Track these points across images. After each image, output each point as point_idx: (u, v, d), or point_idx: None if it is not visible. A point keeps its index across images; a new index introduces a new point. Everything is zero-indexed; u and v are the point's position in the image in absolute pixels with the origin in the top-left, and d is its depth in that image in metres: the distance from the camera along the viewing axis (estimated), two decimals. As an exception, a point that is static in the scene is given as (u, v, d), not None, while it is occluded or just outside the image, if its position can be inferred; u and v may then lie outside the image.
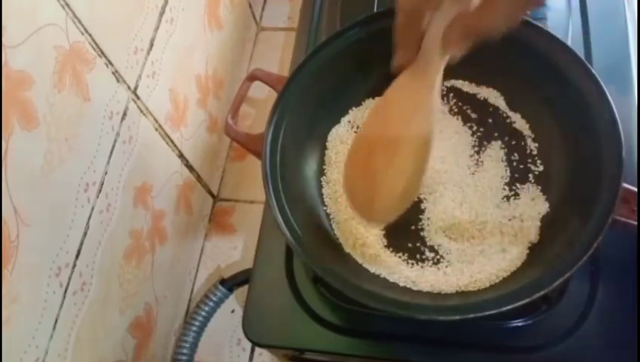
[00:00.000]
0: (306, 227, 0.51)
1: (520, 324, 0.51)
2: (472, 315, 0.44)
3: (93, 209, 0.54)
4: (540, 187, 0.54)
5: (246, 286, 0.58)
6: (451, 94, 0.60)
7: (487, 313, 0.44)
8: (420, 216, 0.54)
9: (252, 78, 0.62)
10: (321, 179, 0.58)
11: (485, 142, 0.57)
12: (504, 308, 0.43)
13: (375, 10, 0.66)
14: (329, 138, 0.60)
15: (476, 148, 0.57)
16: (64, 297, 0.51)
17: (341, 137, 0.59)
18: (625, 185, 0.46)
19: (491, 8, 0.33)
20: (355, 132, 0.60)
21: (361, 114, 0.60)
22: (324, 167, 0.59)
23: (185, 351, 0.71)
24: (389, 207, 0.46)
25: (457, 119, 0.59)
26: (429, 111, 0.41)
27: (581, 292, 0.52)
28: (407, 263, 0.52)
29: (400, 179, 0.43)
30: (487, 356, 0.51)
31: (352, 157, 0.47)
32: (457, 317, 0.44)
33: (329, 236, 0.55)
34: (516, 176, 0.55)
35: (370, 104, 0.61)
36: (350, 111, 0.61)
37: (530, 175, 0.55)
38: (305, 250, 0.49)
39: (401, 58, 0.40)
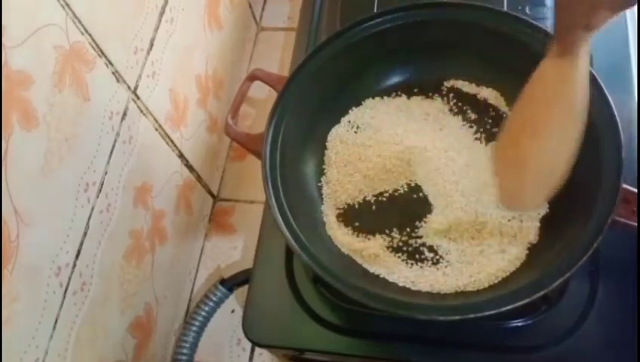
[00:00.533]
0: (305, 227, 0.51)
1: (520, 324, 0.51)
2: (471, 315, 0.44)
3: (93, 209, 0.54)
4: (539, 187, 0.54)
5: (246, 286, 0.59)
6: (451, 94, 0.60)
7: (487, 313, 0.44)
8: (420, 216, 0.54)
9: (252, 77, 0.62)
10: (321, 179, 0.58)
11: (485, 143, 0.57)
12: (504, 309, 0.43)
13: (375, 10, 0.66)
14: (329, 138, 0.60)
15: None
16: (64, 297, 0.51)
17: (341, 137, 0.59)
18: (625, 185, 0.46)
19: None
20: (355, 132, 0.60)
21: (361, 114, 0.60)
22: (324, 166, 0.59)
23: (185, 351, 0.71)
24: (538, 190, 0.45)
25: (458, 119, 0.59)
26: (574, 84, 0.40)
27: (581, 292, 0.52)
28: (407, 263, 0.52)
29: (547, 158, 0.43)
30: (487, 356, 0.51)
31: (500, 149, 0.46)
32: (457, 318, 0.44)
33: (328, 235, 0.55)
34: (516, 176, 0.55)
35: (370, 104, 0.61)
36: (350, 111, 0.61)
37: (530, 175, 0.55)
38: (304, 250, 0.49)
39: (562, 40, 0.39)
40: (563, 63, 0.40)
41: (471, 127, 0.58)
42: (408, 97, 0.61)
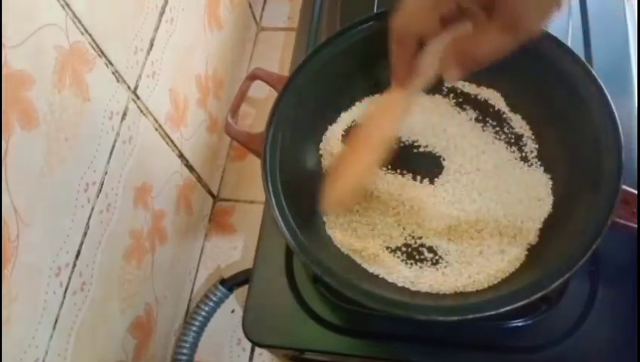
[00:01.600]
0: (305, 227, 0.51)
1: (520, 324, 0.51)
2: (470, 316, 0.44)
3: (93, 209, 0.54)
4: (539, 188, 0.54)
5: (246, 286, 0.59)
6: (452, 94, 0.60)
7: (486, 314, 0.44)
8: (420, 217, 0.54)
9: (253, 77, 0.62)
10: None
11: (485, 143, 0.57)
12: (503, 309, 0.43)
13: (375, 10, 0.66)
14: (326, 136, 0.59)
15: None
16: (64, 297, 0.51)
17: (338, 136, 0.59)
18: (625, 187, 0.46)
19: (483, 35, 0.35)
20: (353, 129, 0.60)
21: (360, 112, 0.60)
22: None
23: (185, 351, 0.71)
24: (341, 196, 0.49)
25: (460, 115, 0.59)
26: (398, 119, 0.45)
27: (581, 292, 0.52)
28: (406, 263, 0.52)
29: (354, 174, 0.47)
30: (487, 356, 0.51)
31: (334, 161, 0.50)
32: (456, 318, 0.44)
33: (328, 236, 0.55)
34: (516, 176, 0.55)
35: (369, 102, 0.61)
36: (350, 110, 0.61)
37: (530, 175, 0.55)
38: (304, 250, 0.49)
39: (395, 77, 0.43)
40: (398, 95, 0.44)
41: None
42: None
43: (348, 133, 0.59)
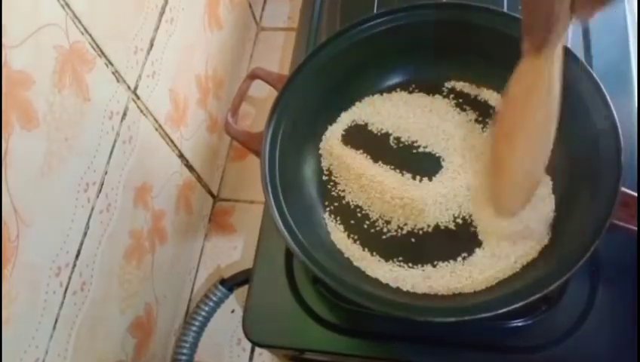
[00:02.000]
0: (304, 227, 0.51)
1: (520, 324, 0.51)
2: (467, 317, 0.44)
3: (93, 209, 0.54)
4: (539, 188, 0.54)
5: (246, 286, 0.59)
6: (452, 95, 0.60)
7: (486, 314, 0.44)
8: (419, 217, 0.54)
9: (253, 76, 0.62)
10: (320, 178, 0.58)
11: (485, 144, 0.57)
12: (502, 310, 0.43)
13: (375, 10, 0.66)
14: (326, 136, 0.59)
15: (476, 149, 0.57)
16: (64, 297, 0.51)
17: (338, 136, 0.59)
18: (624, 189, 0.46)
19: None
20: (354, 129, 0.59)
21: (359, 111, 0.60)
22: (323, 166, 0.59)
23: (185, 351, 0.71)
24: (515, 194, 0.44)
25: (461, 115, 0.59)
26: (547, 87, 0.40)
27: (581, 292, 0.52)
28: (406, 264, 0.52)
29: (521, 163, 0.42)
30: (487, 356, 0.51)
31: (491, 154, 0.45)
32: (453, 319, 0.44)
33: (327, 236, 0.55)
34: (516, 177, 0.55)
35: (369, 101, 0.61)
36: (350, 110, 0.61)
37: (530, 176, 0.55)
38: (303, 251, 0.49)
39: (531, 38, 0.39)
40: (535, 63, 0.40)
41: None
42: (409, 94, 0.61)
43: (348, 133, 0.60)
